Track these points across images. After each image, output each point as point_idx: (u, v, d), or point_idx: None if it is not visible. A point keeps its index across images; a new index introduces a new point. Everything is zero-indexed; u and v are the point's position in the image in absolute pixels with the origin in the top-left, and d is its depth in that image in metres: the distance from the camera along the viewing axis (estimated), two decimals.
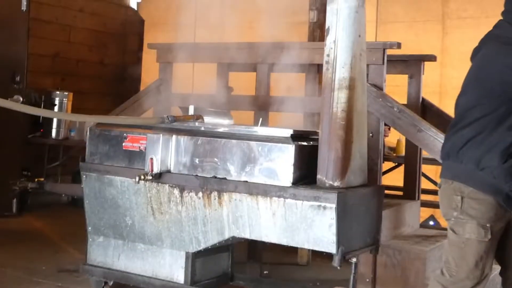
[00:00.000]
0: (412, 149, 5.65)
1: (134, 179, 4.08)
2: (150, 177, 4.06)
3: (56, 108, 8.15)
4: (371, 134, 4.61)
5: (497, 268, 3.49)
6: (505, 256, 3.45)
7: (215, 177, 3.95)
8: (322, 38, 5.30)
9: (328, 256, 3.66)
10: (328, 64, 3.73)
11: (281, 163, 3.75)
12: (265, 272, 5.37)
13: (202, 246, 4.06)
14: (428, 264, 4.63)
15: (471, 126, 3.32)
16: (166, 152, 4.09)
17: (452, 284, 3.31)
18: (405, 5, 8.56)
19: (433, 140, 4.41)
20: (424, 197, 6.15)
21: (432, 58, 5.94)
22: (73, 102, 8.43)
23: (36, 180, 5.22)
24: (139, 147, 4.22)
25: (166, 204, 4.12)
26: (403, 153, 6.45)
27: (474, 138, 3.29)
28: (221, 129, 4.07)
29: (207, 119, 4.42)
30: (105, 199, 4.38)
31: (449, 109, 6.14)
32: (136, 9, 10.29)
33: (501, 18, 3.46)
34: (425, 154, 5.55)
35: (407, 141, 5.62)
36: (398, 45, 4.84)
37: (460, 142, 3.33)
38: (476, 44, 3.53)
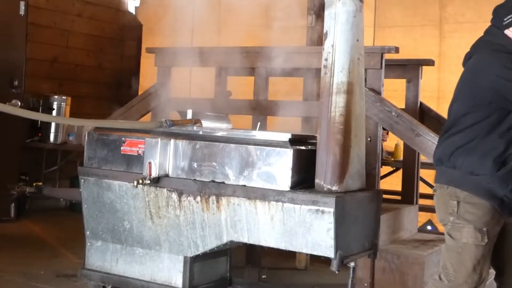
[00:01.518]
0: (410, 153, 5.66)
1: (132, 183, 4.08)
2: (148, 181, 4.05)
3: (54, 113, 8.15)
4: (369, 139, 4.62)
5: (492, 273, 3.50)
6: (500, 260, 3.45)
7: (213, 181, 3.95)
8: (320, 43, 5.31)
9: (327, 260, 3.65)
10: (326, 68, 3.73)
11: (279, 168, 3.75)
12: (263, 276, 5.37)
13: (200, 250, 4.06)
14: (426, 268, 4.63)
15: (462, 132, 3.33)
16: (164, 156, 4.09)
17: None
18: (403, 10, 8.57)
19: (431, 144, 4.41)
20: (422, 201, 6.16)
21: (430, 62, 5.95)
22: (71, 106, 8.43)
23: (34, 184, 5.21)
24: (137, 151, 4.22)
25: (164, 208, 4.12)
26: (401, 157, 6.45)
27: (466, 145, 3.30)
28: (219, 133, 4.07)
29: (206, 123, 4.42)
30: (103, 204, 4.37)
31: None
32: (134, 13, 10.29)
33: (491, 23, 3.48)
34: (423, 158, 5.56)
35: (405, 145, 5.63)
36: (396, 50, 4.85)
37: (451, 148, 3.35)
38: None
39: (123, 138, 4.30)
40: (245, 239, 3.88)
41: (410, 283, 4.65)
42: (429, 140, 4.46)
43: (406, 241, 5.14)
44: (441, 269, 3.39)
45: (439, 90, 8.14)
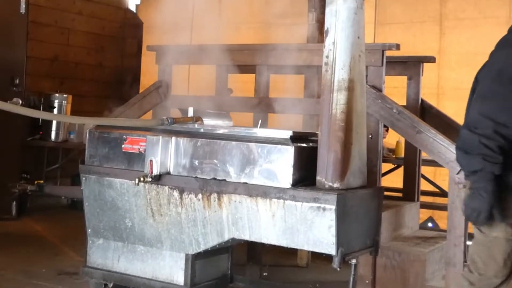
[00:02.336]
0: (412, 150, 5.66)
1: (133, 181, 4.08)
2: (150, 179, 4.05)
3: (55, 111, 8.16)
4: (370, 136, 4.62)
5: None
6: None
7: (215, 179, 3.95)
8: (321, 40, 5.31)
9: (328, 257, 3.65)
10: (327, 66, 3.73)
11: (280, 165, 3.75)
12: (264, 274, 5.37)
13: (202, 248, 4.06)
14: (427, 265, 4.64)
15: None
16: (166, 154, 4.10)
17: (479, 282, 3.32)
18: (403, 6, 8.57)
19: (432, 141, 4.42)
20: (423, 198, 6.16)
21: (431, 59, 5.94)
22: (72, 104, 8.45)
23: (35, 182, 5.21)
24: (139, 149, 4.22)
25: (166, 206, 4.12)
26: (402, 154, 6.46)
27: None
28: (220, 131, 4.08)
29: (207, 121, 4.42)
30: (104, 201, 4.38)
31: (447, 110, 6.17)
32: (134, 11, 10.29)
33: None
34: (424, 155, 5.55)
35: (406, 142, 5.62)
36: (397, 47, 4.84)
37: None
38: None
39: (124, 136, 4.31)
40: (247, 237, 3.89)
41: (411, 280, 4.65)
42: (430, 137, 4.45)
43: (407, 238, 5.14)
44: (470, 263, 3.36)
45: (438, 86, 8.13)
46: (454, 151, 4.19)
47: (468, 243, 5.58)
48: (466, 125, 3.23)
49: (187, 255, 4.12)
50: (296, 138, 3.81)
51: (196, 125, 4.27)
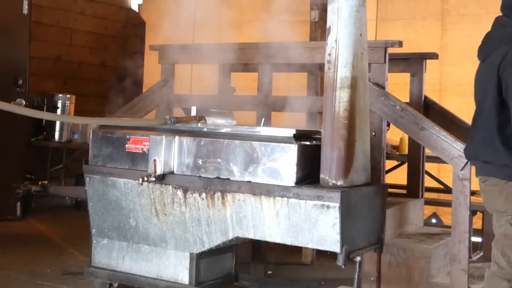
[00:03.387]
0: (415, 147, 5.65)
1: (137, 181, 4.09)
2: (154, 179, 4.06)
3: (59, 111, 8.17)
4: (373, 133, 4.61)
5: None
6: None
7: (219, 178, 3.96)
8: (323, 38, 5.30)
9: (333, 255, 3.66)
10: (330, 63, 3.73)
11: (284, 163, 3.75)
12: (269, 272, 5.37)
13: (206, 246, 4.07)
14: (432, 262, 4.64)
15: None
16: (169, 154, 4.10)
17: None
18: (404, 2, 8.54)
19: (436, 138, 4.41)
20: (427, 195, 6.15)
21: (434, 56, 5.93)
22: (75, 104, 8.45)
23: (39, 183, 5.22)
24: (142, 149, 4.23)
25: (170, 205, 4.13)
26: (406, 151, 6.44)
27: None
28: (223, 130, 4.08)
29: (210, 120, 4.42)
30: (108, 201, 4.39)
31: (450, 106, 6.15)
32: (137, 11, 10.29)
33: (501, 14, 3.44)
34: (428, 152, 5.55)
35: (410, 139, 5.62)
36: (400, 44, 4.83)
37: None
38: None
39: (127, 136, 4.31)
40: (251, 235, 3.89)
41: (416, 277, 4.65)
42: (433, 134, 4.44)
43: (412, 235, 5.14)
44: (501, 257, 3.36)
45: (440, 83, 8.12)
46: (458, 148, 4.23)
47: (474, 239, 5.60)
48: None
49: (191, 254, 4.13)
50: (300, 136, 3.82)
51: (199, 124, 4.27)
